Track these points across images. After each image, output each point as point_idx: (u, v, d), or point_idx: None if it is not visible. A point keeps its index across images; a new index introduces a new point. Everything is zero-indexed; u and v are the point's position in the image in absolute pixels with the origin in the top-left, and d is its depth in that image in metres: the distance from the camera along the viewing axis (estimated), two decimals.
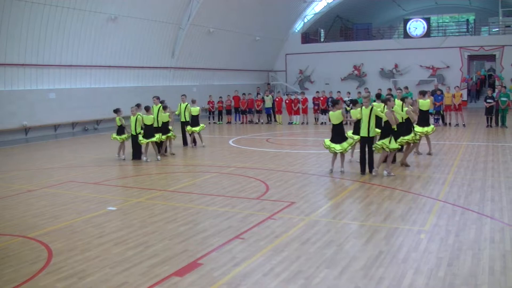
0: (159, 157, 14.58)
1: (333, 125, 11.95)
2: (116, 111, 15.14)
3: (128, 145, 15.03)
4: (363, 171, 11.50)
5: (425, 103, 14.49)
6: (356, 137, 12.13)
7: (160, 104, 15.40)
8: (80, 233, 7.59)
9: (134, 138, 14.53)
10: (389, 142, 11.20)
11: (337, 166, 11.95)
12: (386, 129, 11.30)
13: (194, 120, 17.09)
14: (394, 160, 12.26)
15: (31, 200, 9.90)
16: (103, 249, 6.81)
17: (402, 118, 12.01)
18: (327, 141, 11.90)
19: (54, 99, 22.10)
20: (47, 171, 13.35)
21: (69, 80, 23.01)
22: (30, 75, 21.08)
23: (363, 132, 11.35)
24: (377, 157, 11.96)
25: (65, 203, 9.58)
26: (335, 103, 12.09)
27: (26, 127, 21.15)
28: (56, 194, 10.43)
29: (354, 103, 13.89)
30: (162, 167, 13.61)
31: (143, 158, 14.47)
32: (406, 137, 12.05)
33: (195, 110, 17.13)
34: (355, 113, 11.80)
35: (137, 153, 14.67)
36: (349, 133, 12.77)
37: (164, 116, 15.13)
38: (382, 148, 11.29)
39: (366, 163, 11.51)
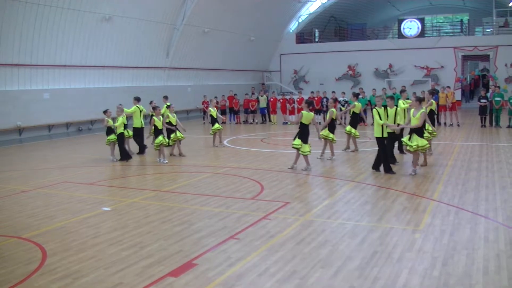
0: (165, 160, 14.38)
1: (305, 125, 12.08)
2: (105, 112, 15.13)
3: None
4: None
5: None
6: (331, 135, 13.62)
7: (168, 104, 15.98)
8: (75, 234, 7.56)
9: (120, 137, 14.52)
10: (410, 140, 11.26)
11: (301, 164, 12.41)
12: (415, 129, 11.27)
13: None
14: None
15: (25, 201, 9.85)
16: (98, 250, 6.79)
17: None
18: (299, 141, 12.00)
19: (48, 99, 21.98)
20: (41, 171, 13.29)
21: (63, 80, 22.90)
22: (24, 75, 20.96)
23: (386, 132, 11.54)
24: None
25: (60, 204, 9.54)
26: (309, 103, 12.23)
27: (20, 128, 21.02)
28: (51, 194, 10.39)
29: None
30: (157, 167, 13.58)
31: (159, 159, 14.16)
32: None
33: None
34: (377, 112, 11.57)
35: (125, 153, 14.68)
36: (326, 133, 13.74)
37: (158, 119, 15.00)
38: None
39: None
